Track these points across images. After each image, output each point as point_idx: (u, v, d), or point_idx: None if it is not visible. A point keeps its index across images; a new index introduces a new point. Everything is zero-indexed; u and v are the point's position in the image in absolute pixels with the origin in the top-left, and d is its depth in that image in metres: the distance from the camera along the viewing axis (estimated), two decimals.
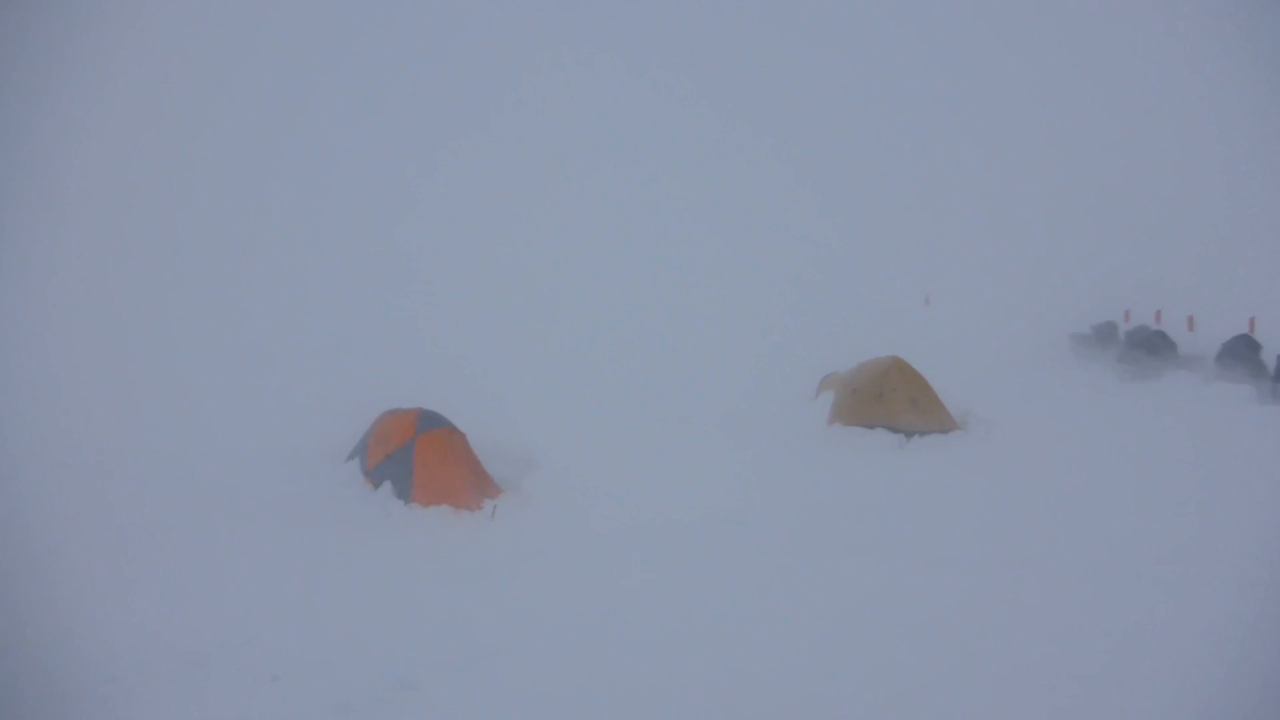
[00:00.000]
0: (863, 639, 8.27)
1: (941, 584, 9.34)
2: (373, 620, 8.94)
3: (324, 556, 10.37)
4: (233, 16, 30.07)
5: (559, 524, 11.57)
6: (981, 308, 26.93)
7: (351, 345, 19.70)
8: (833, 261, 28.57)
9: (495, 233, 28.21)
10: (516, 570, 10.15)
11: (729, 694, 7.46)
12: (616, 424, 15.38)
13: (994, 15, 38.17)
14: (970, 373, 18.07)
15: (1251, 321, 22.67)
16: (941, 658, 7.86)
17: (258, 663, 8.10)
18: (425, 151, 32.35)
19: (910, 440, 15.61)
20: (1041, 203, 33.67)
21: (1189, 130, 34.17)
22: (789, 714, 7.17)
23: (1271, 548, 10.15)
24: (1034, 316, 25.99)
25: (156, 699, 7.52)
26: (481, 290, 22.47)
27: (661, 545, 10.78)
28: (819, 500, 12.54)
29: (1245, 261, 27.18)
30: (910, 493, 12.95)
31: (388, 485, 11.99)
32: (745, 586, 9.61)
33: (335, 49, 32.80)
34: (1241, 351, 20.46)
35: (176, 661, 8.06)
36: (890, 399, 15.91)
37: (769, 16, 38.68)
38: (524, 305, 22.67)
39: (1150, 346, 22.31)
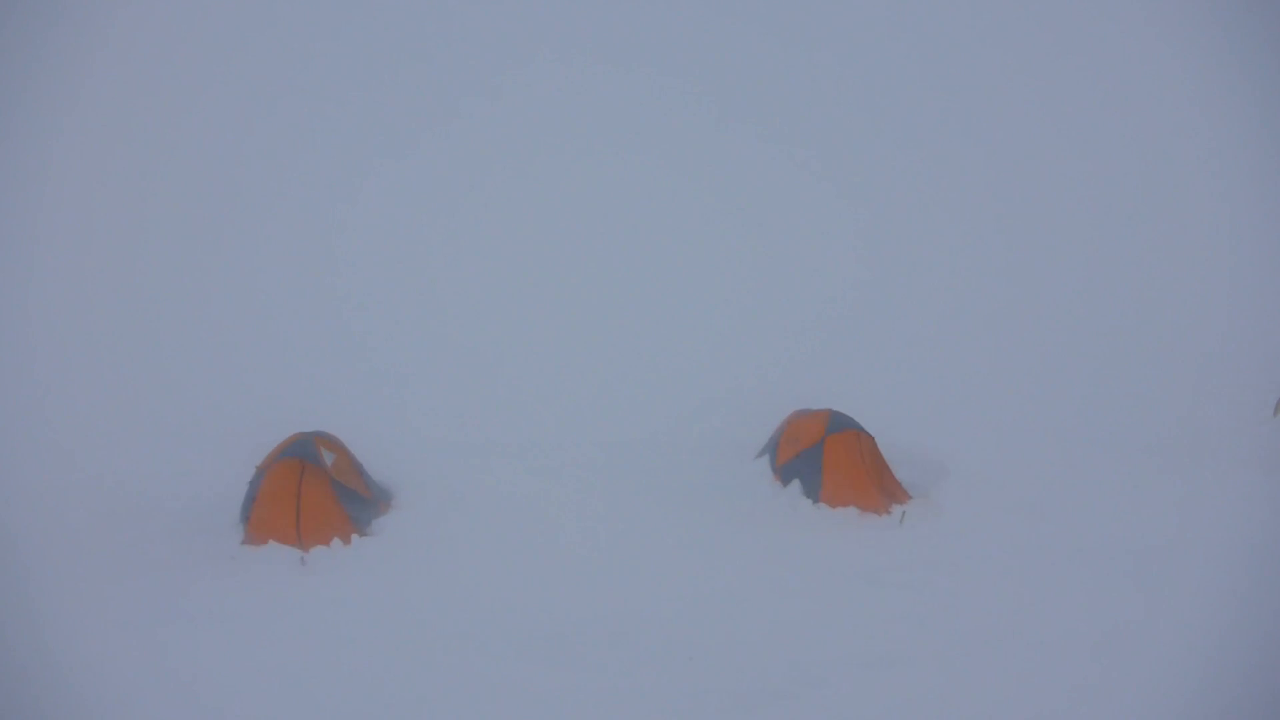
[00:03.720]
0: None
1: None
2: (782, 612, 9.18)
3: (736, 546, 10.77)
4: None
5: (971, 534, 11.11)
6: None
7: (758, 343, 20.13)
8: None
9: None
10: (926, 578, 9.93)
11: None
12: (1037, 436, 14.46)
13: None
14: None
15: None
16: None
17: (673, 643, 8.58)
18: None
19: None
20: None
21: None
22: None
23: None
24: None
25: (576, 669, 8.11)
26: (890, 290, 21.98)
27: (1084, 570, 10.09)
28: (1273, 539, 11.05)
29: None
30: None
31: (796, 483, 12.21)
32: (1180, 623, 8.78)
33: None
34: None
35: (597, 637, 8.65)
36: None
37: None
38: (931, 304, 21.90)
39: None
